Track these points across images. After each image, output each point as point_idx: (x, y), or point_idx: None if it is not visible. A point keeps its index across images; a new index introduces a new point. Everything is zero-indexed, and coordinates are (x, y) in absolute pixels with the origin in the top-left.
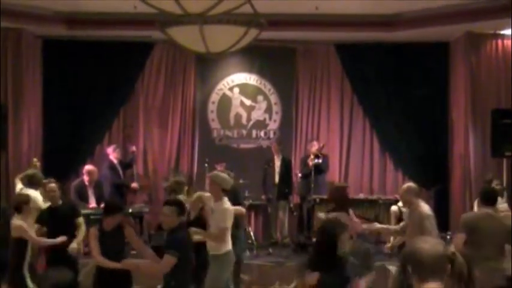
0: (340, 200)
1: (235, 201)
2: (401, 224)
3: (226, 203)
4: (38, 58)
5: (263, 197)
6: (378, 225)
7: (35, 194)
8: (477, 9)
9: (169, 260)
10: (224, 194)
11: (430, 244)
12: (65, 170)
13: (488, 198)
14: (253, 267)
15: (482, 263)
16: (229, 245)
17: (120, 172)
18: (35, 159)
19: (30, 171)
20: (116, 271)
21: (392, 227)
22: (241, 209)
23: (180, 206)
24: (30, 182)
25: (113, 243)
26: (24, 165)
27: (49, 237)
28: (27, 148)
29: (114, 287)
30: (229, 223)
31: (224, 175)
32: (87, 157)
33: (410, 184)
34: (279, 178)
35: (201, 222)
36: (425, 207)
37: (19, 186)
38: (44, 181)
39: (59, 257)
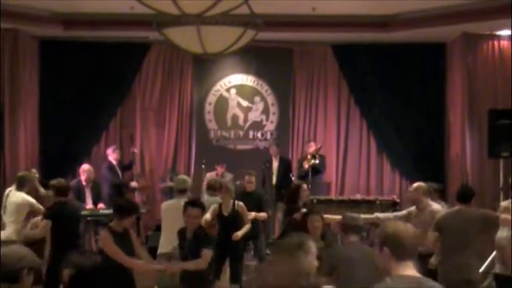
0: (291, 197)
1: (258, 209)
2: (399, 213)
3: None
4: (34, 59)
5: None
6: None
7: (26, 197)
8: (474, 10)
9: (208, 255)
10: (181, 194)
11: (404, 226)
12: (61, 171)
13: (463, 196)
14: (250, 268)
15: (447, 259)
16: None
17: (119, 173)
18: (34, 170)
19: (21, 173)
20: (121, 274)
21: (382, 214)
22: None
23: (203, 207)
24: (19, 184)
25: (125, 245)
26: (21, 165)
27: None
28: (24, 148)
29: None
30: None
31: (180, 177)
32: (83, 158)
33: (420, 183)
34: (277, 179)
35: (237, 217)
36: (436, 206)
37: (10, 187)
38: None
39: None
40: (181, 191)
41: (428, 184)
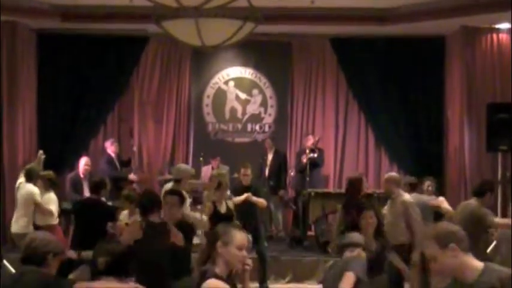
0: (353, 191)
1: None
2: None
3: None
4: (32, 51)
5: None
6: None
7: (32, 189)
8: (473, 3)
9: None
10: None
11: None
12: (60, 164)
13: (474, 190)
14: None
15: None
16: None
17: (118, 166)
18: (40, 151)
19: (28, 166)
20: None
21: None
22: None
23: (181, 196)
24: (28, 177)
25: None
26: (19, 160)
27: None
28: (22, 142)
29: None
30: None
31: (178, 166)
32: (81, 151)
33: (391, 173)
34: (268, 172)
35: (232, 214)
36: (406, 196)
37: (20, 179)
38: (42, 173)
39: None
40: (176, 181)
41: (401, 177)
